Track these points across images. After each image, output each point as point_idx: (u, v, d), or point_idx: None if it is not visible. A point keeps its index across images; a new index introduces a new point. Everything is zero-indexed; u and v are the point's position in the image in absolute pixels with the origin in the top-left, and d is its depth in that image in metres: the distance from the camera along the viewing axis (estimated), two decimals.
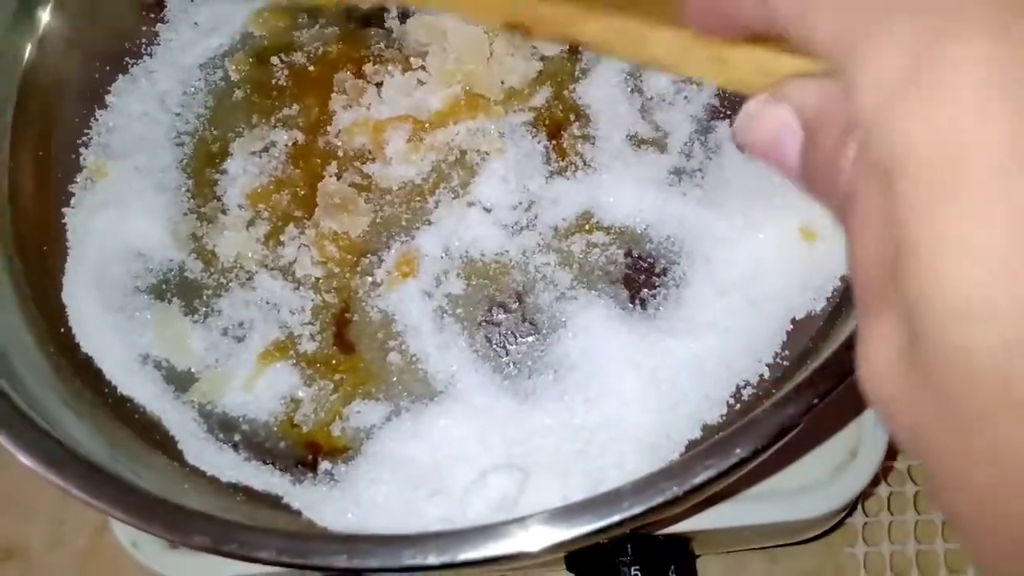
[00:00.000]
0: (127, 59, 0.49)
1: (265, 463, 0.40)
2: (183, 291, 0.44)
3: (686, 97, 0.45)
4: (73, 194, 0.46)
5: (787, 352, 0.39)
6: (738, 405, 0.39)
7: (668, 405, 0.38)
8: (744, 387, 0.39)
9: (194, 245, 0.45)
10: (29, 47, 0.50)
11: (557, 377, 0.40)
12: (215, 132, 0.47)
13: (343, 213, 0.44)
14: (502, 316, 0.42)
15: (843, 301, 0.40)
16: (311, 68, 0.48)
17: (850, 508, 0.49)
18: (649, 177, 0.43)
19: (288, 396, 0.41)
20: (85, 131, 0.48)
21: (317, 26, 0.49)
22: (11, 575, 0.58)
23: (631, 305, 0.41)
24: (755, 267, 0.40)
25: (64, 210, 0.46)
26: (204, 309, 0.44)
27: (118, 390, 0.42)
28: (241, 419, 0.41)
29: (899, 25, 0.20)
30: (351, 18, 0.49)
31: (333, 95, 0.47)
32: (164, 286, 0.44)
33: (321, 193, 0.45)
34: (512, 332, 0.42)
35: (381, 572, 0.32)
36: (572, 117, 0.45)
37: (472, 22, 0.44)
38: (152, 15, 0.50)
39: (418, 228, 0.44)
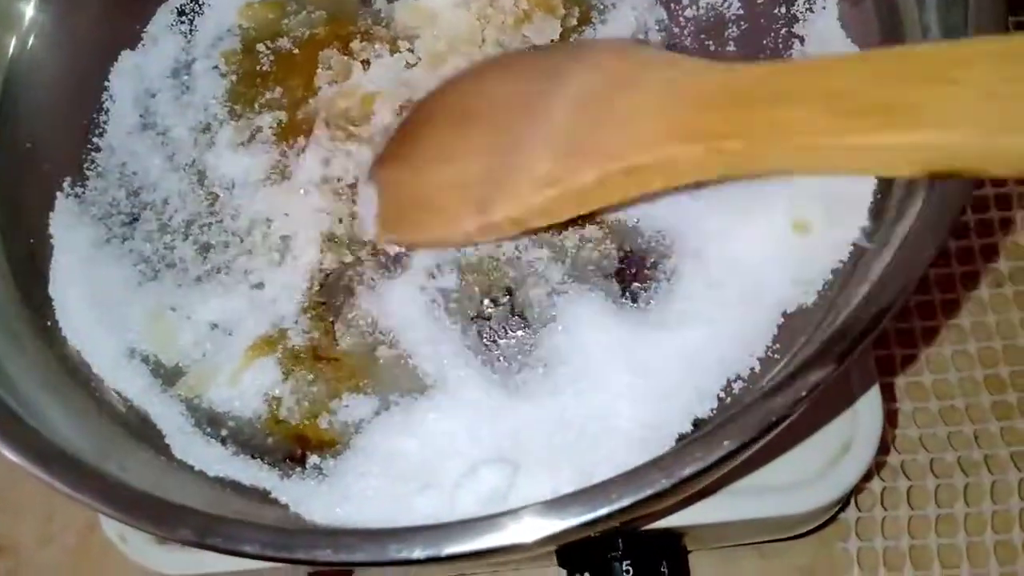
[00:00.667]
0: (112, 52, 0.49)
1: (253, 457, 0.40)
2: (171, 284, 0.44)
3: None
4: (61, 188, 0.46)
5: (778, 346, 0.39)
6: (729, 398, 0.38)
7: (658, 398, 0.38)
8: (735, 380, 0.39)
9: (184, 238, 0.45)
10: (13, 41, 0.49)
11: (548, 371, 0.40)
12: (204, 123, 0.47)
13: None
14: (493, 310, 0.42)
15: (835, 294, 0.39)
16: (296, 51, 0.48)
17: (843, 503, 0.49)
18: None
19: (274, 390, 0.41)
20: (71, 125, 0.47)
21: (304, 12, 0.49)
22: (1, 572, 0.57)
23: (622, 299, 0.41)
24: (746, 261, 0.40)
25: (51, 204, 0.46)
26: (193, 302, 0.43)
27: (105, 384, 0.42)
28: (228, 413, 0.41)
29: None
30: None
31: (319, 71, 0.46)
32: (153, 279, 0.44)
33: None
34: (503, 326, 0.41)
35: (368, 566, 0.32)
36: None
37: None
38: (137, 8, 0.50)
39: None
